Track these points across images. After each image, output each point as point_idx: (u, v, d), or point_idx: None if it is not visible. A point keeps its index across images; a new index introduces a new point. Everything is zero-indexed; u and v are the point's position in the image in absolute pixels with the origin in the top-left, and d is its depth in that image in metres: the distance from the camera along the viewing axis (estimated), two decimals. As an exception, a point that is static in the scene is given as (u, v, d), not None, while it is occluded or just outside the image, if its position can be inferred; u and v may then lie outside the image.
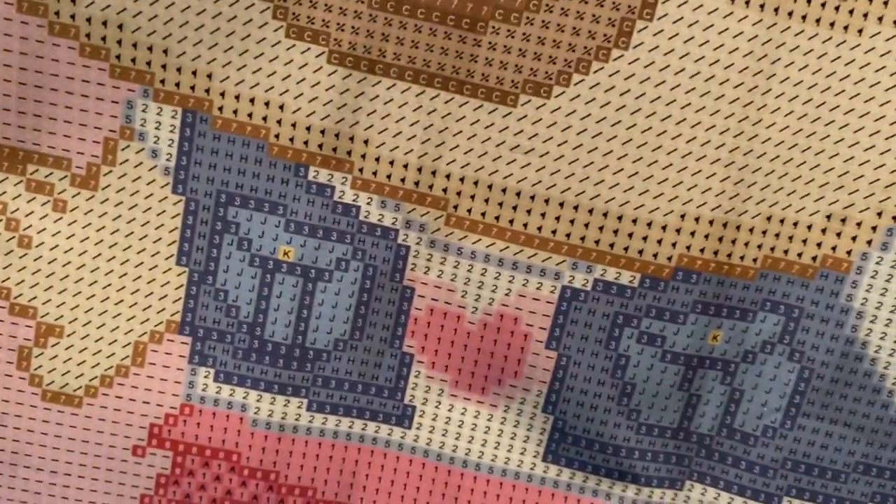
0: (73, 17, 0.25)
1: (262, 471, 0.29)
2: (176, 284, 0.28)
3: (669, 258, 0.27)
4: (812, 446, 0.28)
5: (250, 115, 0.26)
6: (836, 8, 0.24)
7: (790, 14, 0.24)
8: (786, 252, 0.27)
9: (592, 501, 0.29)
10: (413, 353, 0.29)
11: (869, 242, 0.26)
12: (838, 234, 0.26)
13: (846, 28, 0.24)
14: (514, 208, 0.27)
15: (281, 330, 0.28)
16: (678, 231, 0.26)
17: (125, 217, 0.27)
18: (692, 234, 0.26)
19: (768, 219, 0.26)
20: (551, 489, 0.29)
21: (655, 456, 0.29)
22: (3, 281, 0.28)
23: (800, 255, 0.27)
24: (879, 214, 0.26)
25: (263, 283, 0.28)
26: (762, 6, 0.24)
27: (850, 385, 0.28)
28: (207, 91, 0.26)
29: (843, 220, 0.26)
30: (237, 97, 0.26)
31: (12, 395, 0.29)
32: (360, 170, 0.27)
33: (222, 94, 0.26)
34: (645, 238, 0.27)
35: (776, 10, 0.24)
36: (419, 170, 0.27)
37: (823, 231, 0.26)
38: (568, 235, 0.27)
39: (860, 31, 0.24)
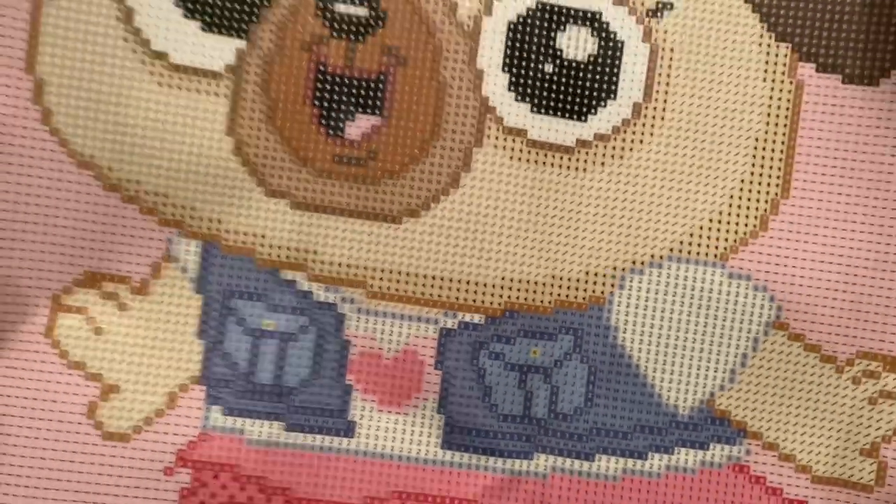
0: (136, 192, 0.43)
1: (255, 477, 0.43)
2: (197, 352, 0.43)
3: (500, 304, 0.45)
4: (607, 417, 0.45)
5: (244, 242, 0.44)
6: (587, 156, 0.45)
7: (559, 166, 0.45)
8: (567, 296, 0.45)
9: (476, 474, 0.45)
10: (352, 384, 0.44)
11: (612, 284, 0.46)
12: (594, 283, 0.46)
13: (587, 169, 0.45)
14: (406, 282, 0.45)
15: (266, 376, 0.44)
16: (503, 287, 0.45)
17: (164, 310, 0.43)
18: (510, 288, 0.45)
19: (553, 276, 0.45)
20: (449, 468, 0.44)
21: (512, 437, 0.45)
22: (82, 357, 0.42)
23: (575, 297, 0.46)
24: (614, 268, 0.46)
25: (254, 346, 0.44)
26: (536, 162, 0.45)
27: (620, 374, 0.45)
28: (218, 230, 0.44)
29: (595, 274, 0.46)
30: (236, 232, 0.44)
31: (80, 437, 0.42)
32: (313, 269, 0.44)
33: (227, 231, 0.44)
34: (484, 293, 0.45)
35: (551, 164, 0.45)
36: (349, 266, 0.45)
37: (585, 282, 0.46)
38: (440, 296, 0.45)
39: (602, 164, 0.45)
